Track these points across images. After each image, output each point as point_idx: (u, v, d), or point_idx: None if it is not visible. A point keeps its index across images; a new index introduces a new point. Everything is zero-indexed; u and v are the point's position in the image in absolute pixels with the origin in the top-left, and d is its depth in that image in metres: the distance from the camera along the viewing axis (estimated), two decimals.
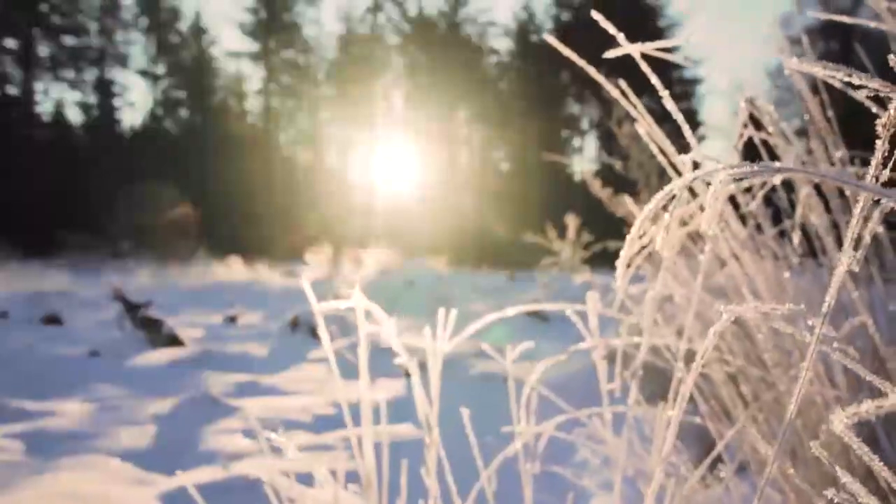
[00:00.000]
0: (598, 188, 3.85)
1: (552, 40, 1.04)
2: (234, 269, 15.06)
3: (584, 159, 38.37)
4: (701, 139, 37.85)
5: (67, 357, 4.30)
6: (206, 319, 6.77)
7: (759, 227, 1.09)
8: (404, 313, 7.47)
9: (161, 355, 4.35)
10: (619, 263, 0.50)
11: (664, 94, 0.85)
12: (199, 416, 2.90)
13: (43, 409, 2.99)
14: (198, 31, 37.10)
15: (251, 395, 3.40)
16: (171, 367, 4.07)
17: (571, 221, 4.95)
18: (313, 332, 5.09)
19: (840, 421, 0.29)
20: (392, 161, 36.89)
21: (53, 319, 5.77)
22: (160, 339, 4.83)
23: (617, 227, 3.95)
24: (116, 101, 34.91)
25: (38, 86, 32.85)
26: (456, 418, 1.46)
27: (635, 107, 1.00)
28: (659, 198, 0.41)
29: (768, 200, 1.39)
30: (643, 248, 0.67)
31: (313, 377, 3.78)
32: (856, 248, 0.38)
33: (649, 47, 0.87)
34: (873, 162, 0.32)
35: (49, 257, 18.55)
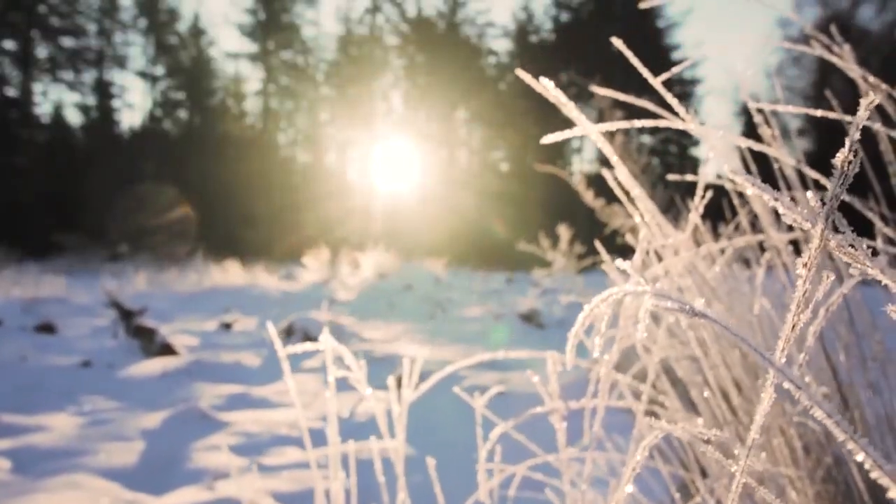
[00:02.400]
0: (590, 199, 3.84)
1: (522, 74, 1.03)
2: (230, 273, 15.05)
3: (583, 160, 38.36)
4: (699, 140, 37.87)
5: (59, 367, 4.28)
6: (200, 326, 6.75)
7: (731, 268, 1.09)
8: (402, 317, 7.47)
9: (154, 365, 4.34)
10: (568, 349, 0.49)
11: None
12: (188, 432, 2.89)
13: (31, 423, 2.98)
14: (196, 32, 37.09)
15: (242, 407, 3.40)
16: (162, 378, 4.06)
17: (564, 232, 4.94)
18: (307, 340, 5.08)
19: None
20: (391, 162, 36.87)
21: (47, 327, 5.76)
22: (153, 347, 4.82)
23: (615, 230, 3.96)
24: (115, 103, 34.92)
25: (37, 87, 32.92)
26: (445, 435, 1.45)
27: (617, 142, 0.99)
28: (590, 308, 0.40)
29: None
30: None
31: (306, 389, 3.77)
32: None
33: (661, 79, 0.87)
34: (794, 303, 0.31)
35: (47, 260, 18.53)
